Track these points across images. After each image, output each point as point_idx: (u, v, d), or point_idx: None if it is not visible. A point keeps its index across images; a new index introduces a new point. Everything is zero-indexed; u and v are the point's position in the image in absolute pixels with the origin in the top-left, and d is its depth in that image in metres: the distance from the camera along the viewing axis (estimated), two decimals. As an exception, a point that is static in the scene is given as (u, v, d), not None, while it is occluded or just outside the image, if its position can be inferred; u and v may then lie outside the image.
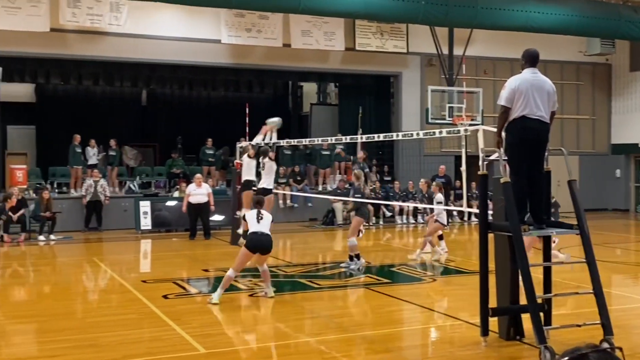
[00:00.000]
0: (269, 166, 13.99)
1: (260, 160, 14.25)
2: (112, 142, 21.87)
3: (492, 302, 7.92)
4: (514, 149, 7.74)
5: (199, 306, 10.24)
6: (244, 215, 10.58)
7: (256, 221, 10.07)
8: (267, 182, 13.92)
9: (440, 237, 15.49)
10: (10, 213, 17.41)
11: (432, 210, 14.97)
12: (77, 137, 20.94)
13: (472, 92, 22.43)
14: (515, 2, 19.88)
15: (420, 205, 14.68)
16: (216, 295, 9.92)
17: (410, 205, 20.68)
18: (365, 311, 10.16)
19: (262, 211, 10.31)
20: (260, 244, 10.00)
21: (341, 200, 14.30)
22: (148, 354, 7.64)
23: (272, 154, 13.72)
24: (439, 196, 14.47)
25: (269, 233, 10.16)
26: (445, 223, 15.09)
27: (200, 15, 20.77)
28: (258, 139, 15.41)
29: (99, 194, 19.56)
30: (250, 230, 10.08)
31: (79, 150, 20.93)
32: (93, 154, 21.20)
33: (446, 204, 18.32)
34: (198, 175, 18.73)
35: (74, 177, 20.66)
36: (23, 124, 24.64)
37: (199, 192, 17.78)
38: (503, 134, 7.79)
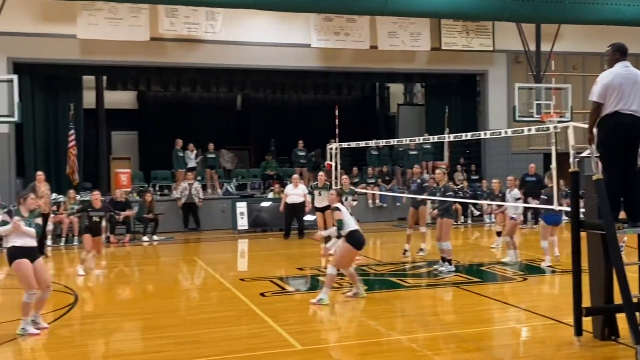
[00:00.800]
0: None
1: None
2: (211, 146, 22.35)
3: (586, 302, 7.68)
4: (607, 145, 7.46)
5: (295, 304, 10.36)
6: (337, 207, 10.23)
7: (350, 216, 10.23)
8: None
9: (498, 234, 15.23)
10: (117, 214, 17.90)
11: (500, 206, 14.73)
12: (179, 142, 21.55)
13: (561, 88, 21.78)
14: (604, -5, 19.16)
15: (502, 204, 14.27)
16: (325, 297, 9.92)
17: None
18: (455, 310, 10.01)
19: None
20: (364, 242, 10.19)
21: (430, 199, 14.08)
22: (247, 350, 7.77)
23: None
24: (516, 192, 14.03)
25: None
26: (522, 219, 14.74)
27: (290, 20, 20.97)
28: None
29: (193, 196, 19.97)
30: (352, 227, 10.05)
31: (180, 154, 21.52)
32: (192, 158, 21.71)
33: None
34: (295, 175, 18.81)
35: (179, 180, 21.19)
36: (126, 129, 25.51)
37: (295, 192, 17.90)
38: (595, 130, 7.53)
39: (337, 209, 10.18)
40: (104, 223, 14.34)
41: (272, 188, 21.43)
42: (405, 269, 13.16)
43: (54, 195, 17.98)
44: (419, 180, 14.91)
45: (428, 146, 22.82)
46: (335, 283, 11.00)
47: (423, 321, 9.06)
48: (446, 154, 23.36)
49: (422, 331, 8.54)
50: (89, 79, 22.74)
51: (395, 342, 8.13)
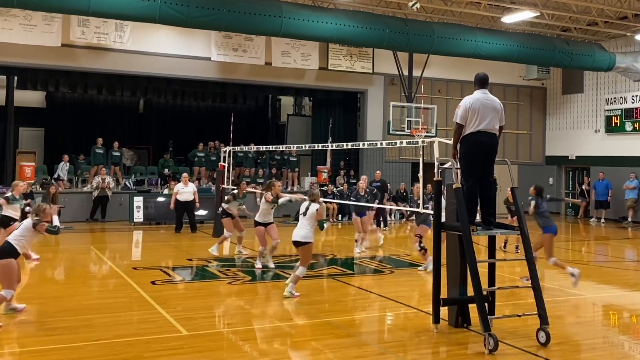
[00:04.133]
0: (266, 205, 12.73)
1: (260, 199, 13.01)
2: (115, 144, 21.42)
3: (443, 294, 7.72)
4: (467, 159, 7.55)
5: (183, 292, 9.94)
6: None
7: None
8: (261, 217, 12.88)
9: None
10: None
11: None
12: (100, 140, 20.97)
13: (428, 108, 22.28)
14: (466, 33, 19.73)
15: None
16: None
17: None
18: (330, 299, 9.85)
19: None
20: None
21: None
22: (136, 334, 7.32)
23: (269, 197, 12.56)
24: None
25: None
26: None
27: (194, 35, 20.34)
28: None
29: (105, 190, 19.14)
30: None
31: (100, 150, 20.84)
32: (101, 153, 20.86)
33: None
34: (184, 174, 18.05)
35: (92, 175, 20.28)
36: (33, 126, 24.05)
37: (186, 190, 17.29)
38: (458, 146, 7.62)
39: None
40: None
41: (168, 185, 20.74)
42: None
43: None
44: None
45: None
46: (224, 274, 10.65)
47: (302, 309, 8.87)
48: (329, 160, 23.44)
49: (300, 319, 8.35)
50: (0, 79, 21.30)
51: (276, 328, 7.90)
